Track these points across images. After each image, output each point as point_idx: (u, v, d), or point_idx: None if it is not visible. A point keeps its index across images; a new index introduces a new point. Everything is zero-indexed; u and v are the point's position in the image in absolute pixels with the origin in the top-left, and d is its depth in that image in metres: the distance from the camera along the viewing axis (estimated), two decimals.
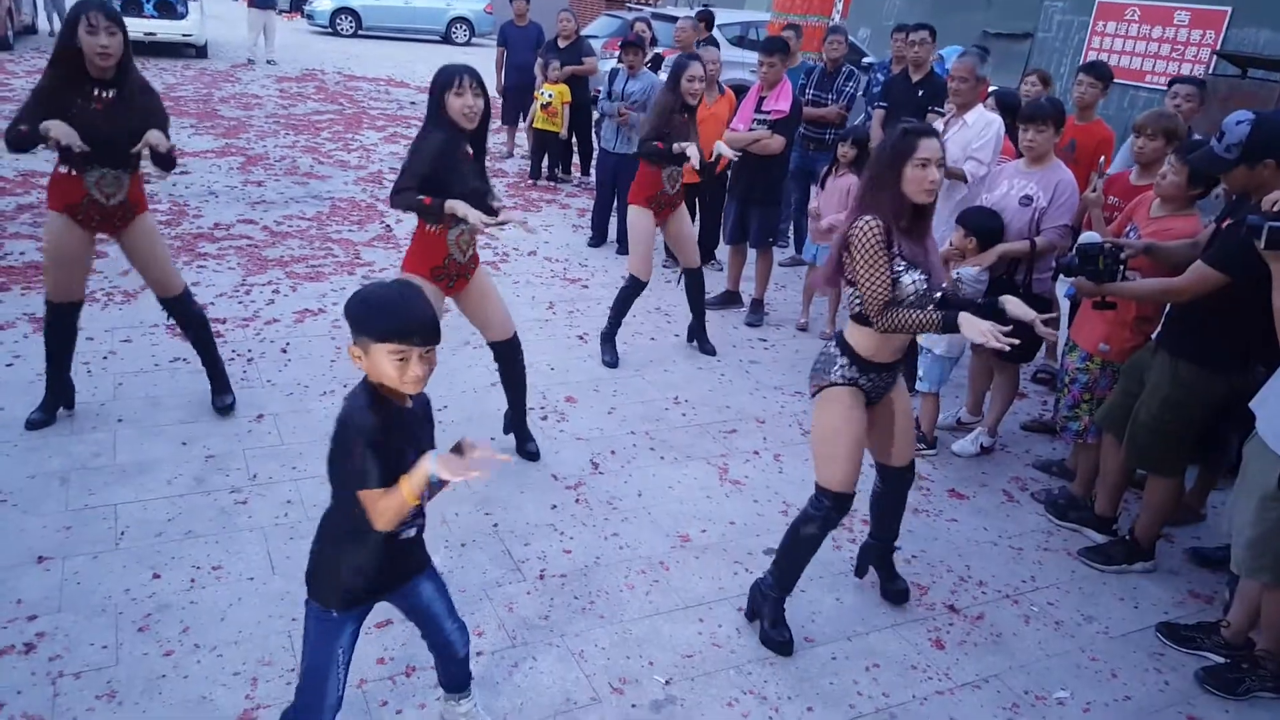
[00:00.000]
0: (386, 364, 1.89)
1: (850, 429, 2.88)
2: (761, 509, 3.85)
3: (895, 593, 3.32)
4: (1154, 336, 3.66)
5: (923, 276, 2.76)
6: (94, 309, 4.97)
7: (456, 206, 3.24)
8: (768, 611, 3.07)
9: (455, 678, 2.48)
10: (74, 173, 3.53)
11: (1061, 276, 3.58)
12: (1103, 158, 4.31)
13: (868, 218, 2.74)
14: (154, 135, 3.46)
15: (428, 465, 1.87)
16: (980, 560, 3.66)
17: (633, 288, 5.10)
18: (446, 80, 3.29)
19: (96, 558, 3.10)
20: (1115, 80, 5.55)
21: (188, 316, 3.98)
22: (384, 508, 1.92)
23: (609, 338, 5.16)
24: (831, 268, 2.93)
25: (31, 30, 15.77)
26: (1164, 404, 3.35)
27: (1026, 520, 4.00)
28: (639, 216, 5.03)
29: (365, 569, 2.09)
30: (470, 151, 3.42)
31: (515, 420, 4.04)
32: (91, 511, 3.34)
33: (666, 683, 2.83)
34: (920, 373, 4.43)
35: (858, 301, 2.83)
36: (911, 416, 3.14)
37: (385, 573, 2.15)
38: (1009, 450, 4.64)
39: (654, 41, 8.21)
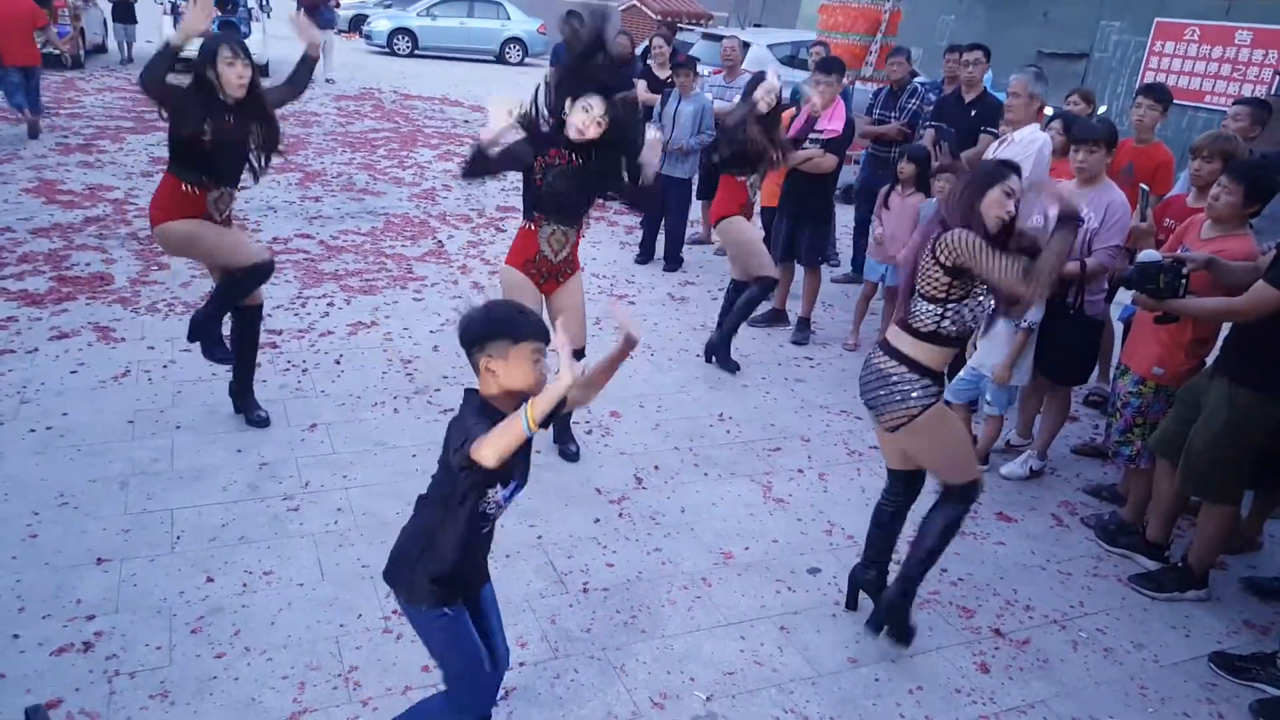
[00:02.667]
0: (525, 364, 2.03)
1: (962, 431, 3.04)
2: (805, 528, 3.84)
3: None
4: (1209, 361, 3.60)
5: (989, 296, 2.86)
6: (155, 319, 5.13)
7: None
8: (899, 607, 3.09)
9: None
10: (196, 191, 3.74)
11: (1117, 298, 3.54)
12: (1144, 186, 4.23)
13: (958, 230, 2.77)
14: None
15: (560, 383, 1.87)
16: (1028, 584, 3.61)
17: (763, 289, 5.17)
18: None
19: (153, 560, 3.19)
20: (1174, 101, 5.46)
21: (253, 326, 4.14)
22: (498, 436, 1.88)
23: (725, 345, 5.36)
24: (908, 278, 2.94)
25: (101, 50, 16.32)
26: (1221, 429, 3.29)
27: (1076, 545, 3.94)
28: (737, 224, 5.18)
29: (452, 557, 2.14)
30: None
31: (558, 425, 4.12)
32: (149, 515, 3.44)
33: (707, 699, 2.83)
34: (988, 397, 4.38)
35: (931, 320, 2.83)
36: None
37: (468, 564, 2.20)
38: (1059, 474, 4.56)
39: (673, 56, 8.24)
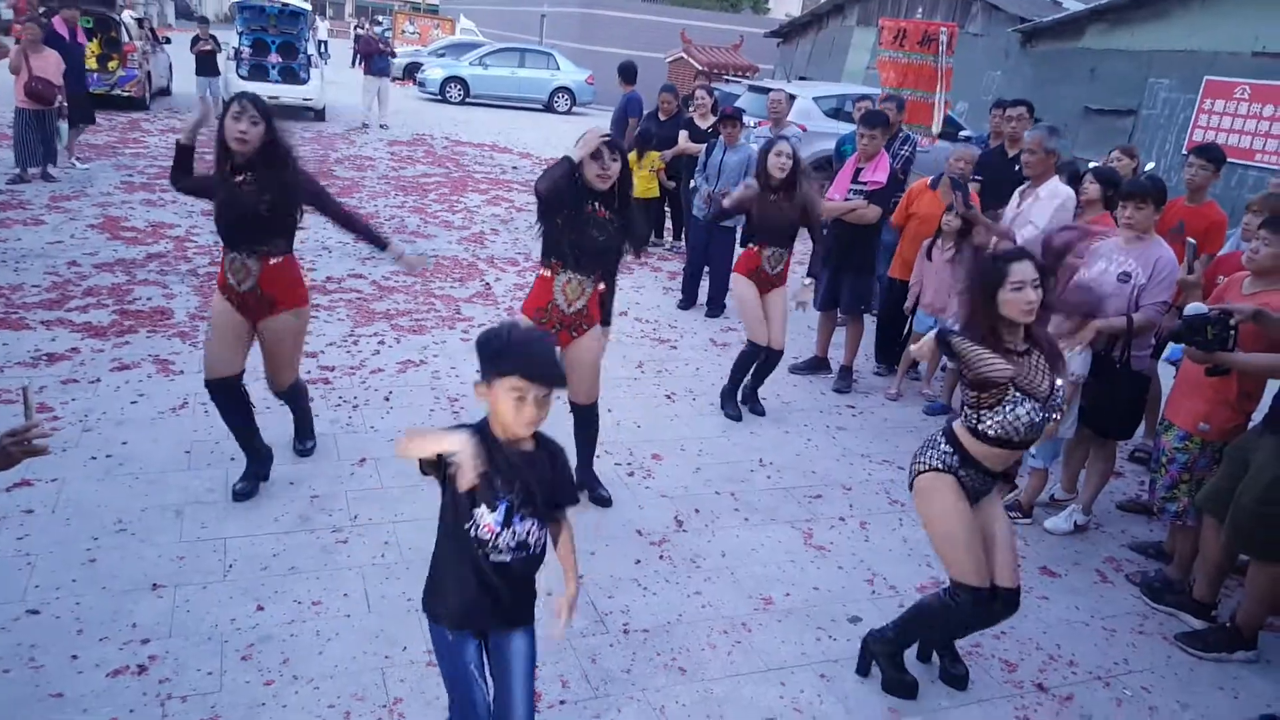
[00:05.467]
0: (505, 400, 2.02)
1: (957, 519, 2.86)
2: (847, 576, 3.83)
3: (955, 678, 3.21)
4: (1256, 416, 3.56)
5: (1035, 406, 2.75)
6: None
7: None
8: (885, 659, 3.11)
9: None
10: (223, 255, 3.73)
11: (1169, 346, 3.53)
12: (1191, 240, 4.23)
13: (954, 338, 2.78)
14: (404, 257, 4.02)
15: (443, 439, 1.98)
16: (1071, 640, 3.56)
17: (751, 353, 5.26)
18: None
19: (206, 588, 3.28)
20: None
21: (292, 400, 4.22)
22: (413, 433, 2.05)
23: (729, 395, 5.39)
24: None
25: (166, 93, 16.96)
26: (1269, 485, 3.25)
27: (1120, 602, 3.88)
28: (741, 285, 5.24)
29: (443, 575, 2.19)
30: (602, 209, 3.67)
31: (582, 472, 4.08)
32: (203, 544, 3.53)
33: None
34: (1032, 450, 4.34)
35: (973, 416, 2.83)
36: (1012, 530, 3.04)
37: (466, 591, 2.17)
38: (1104, 529, 4.51)
39: (715, 107, 8.37)
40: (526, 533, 2.16)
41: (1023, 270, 2.73)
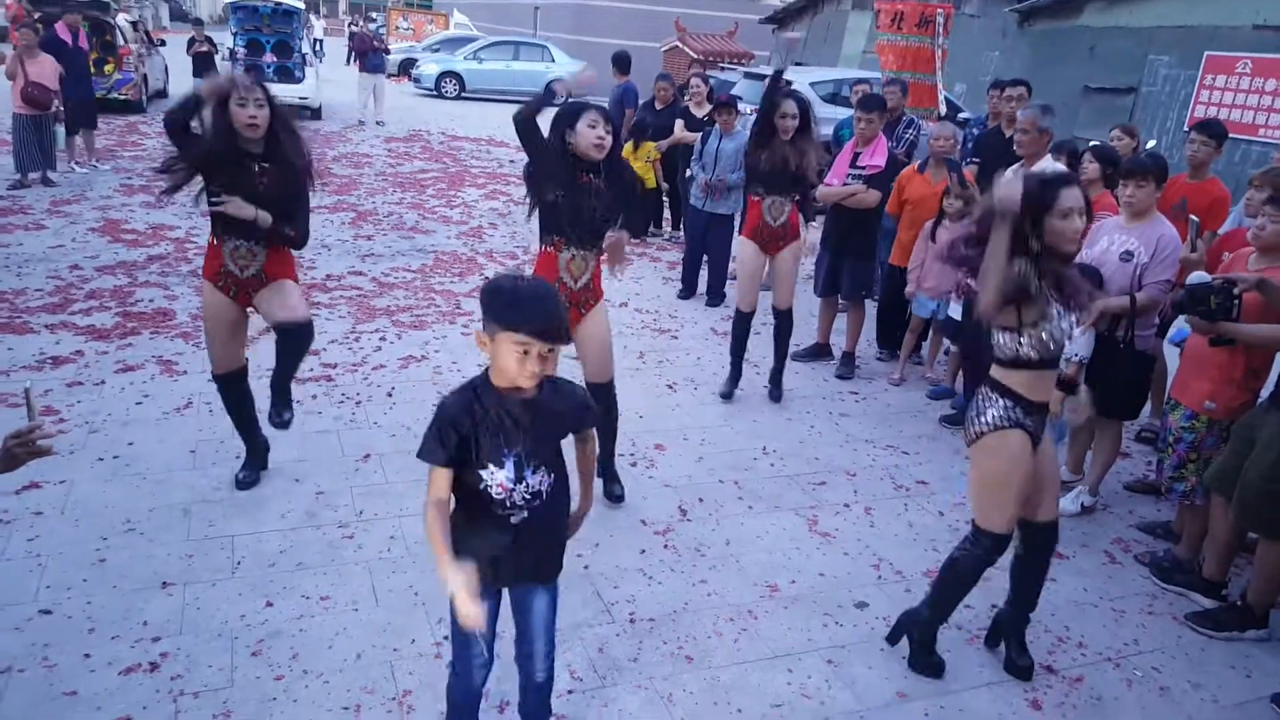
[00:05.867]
0: (508, 354, 2.01)
1: (1019, 474, 2.86)
2: (853, 562, 3.83)
3: (1020, 669, 3.19)
4: (1263, 394, 3.56)
5: (1073, 318, 2.76)
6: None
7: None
8: (918, 635, 3.12)
9: (532, 705, 2.50)
10: (216, 243, 3.65)
11: (1173, 326, 3.52)
12: (1193, 217, 4.22)
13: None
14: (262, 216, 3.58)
15: (452, 575, 2.00)
16: (1080, 621, 3.57)
17: (739, 319, 5.32)
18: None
19: (215, 585, 3.29)
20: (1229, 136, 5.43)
21: (300, 339, 3.85)
22: (428, 510, 2.11)
23: (733, 377, 5.47)
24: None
25: (163, 95, 16.94)
26: (1276, 462, 3.24)
27: (1130, 582, 3.88)
28: (744, 248, 5.27)
29: (482, 547, 2.18)
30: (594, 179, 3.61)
31: (601, 462, 4.10)
32: (211, 542, 3.54)
33: None
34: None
35: (1010, 347, 2.80)
36: (1058, 463, 3.04)
37: (479, 543, 2.18)
38: (1111, 510, 4.51)
39: (710, 95, 8.36)
40: (540, 483, 2.17)
41: (1072, 196, 2.64)
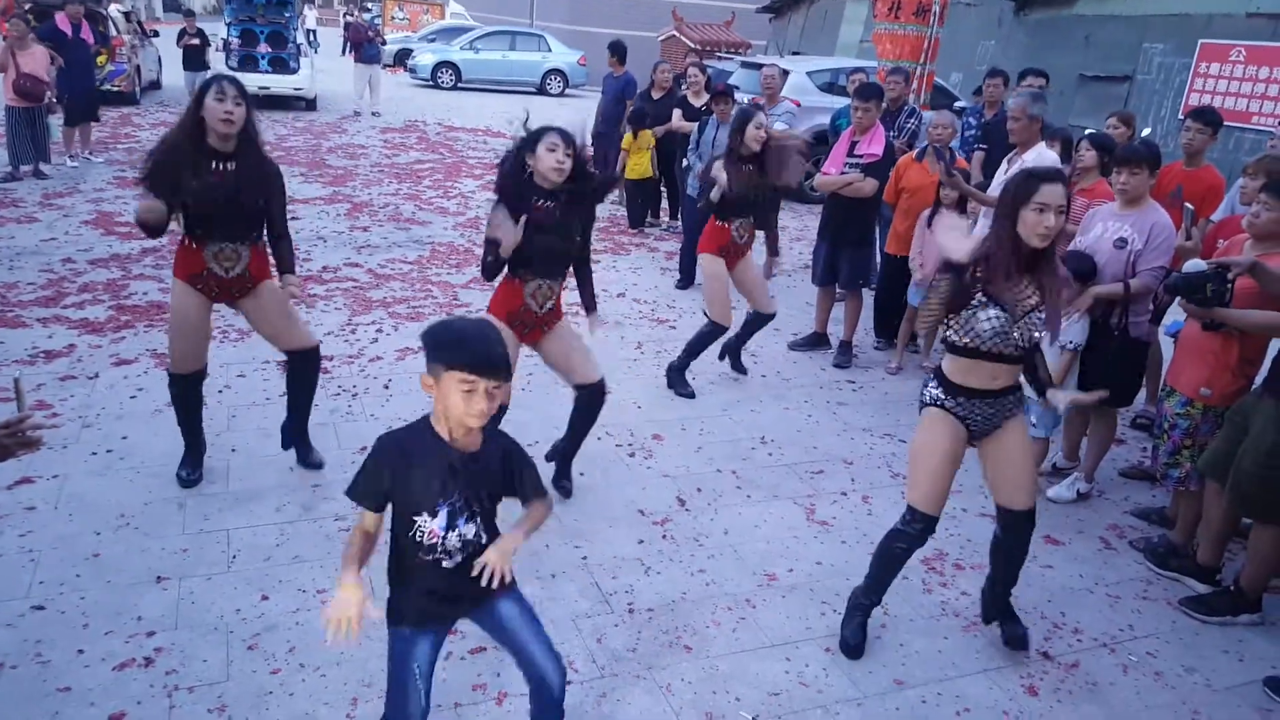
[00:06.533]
0: (454, 393, 1.98)
1: (931, 447, 2.98)
2: (850, 550, 3.83)
3: (1015, 638, 3.22)
4: (1257, 380, 3.56)
5: (1000, 314, 2.79)
6: (210, 345, 5.26)
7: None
8: (850, 615, 3.22)
9: (547, 713, 2.41)
10: (194, 245, 3.58)
11: (1167, 316, 3.53)
12: (1188, 205, 4.21)
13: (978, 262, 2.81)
14: (293, 284, 3.69)
15: (347, 584, 2.08)
16: (1076, 607, 3.57)
17: (711, 332, 5.24)
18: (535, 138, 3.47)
19: (210, 579, 3.28)
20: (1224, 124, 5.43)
21: (308, 372, 3.97)
22: (352, 534, 2.19)
23: (680, 371, 5.32)
24: None
25: (156, 86, 16.87)
26: (1270, 448, 3.25)
27: (1125, 568, 3.89)
28: (710, 263, 5.19)
29: (416, 587, 2.18)
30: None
31: (567, 453, 4.04)
32: (206, 535, 3.53)
33: (753, 719, 2.84)
34: (1033, 419, 4.35)
35: (946, 329, 2.92)
36: (1029, 458, 3.10)
37: (440, 592, 2.17)
38: (1107, 497, 4.51)
39: (708, 84, 8.33)
40: (472, 533, 2.14)
41: (1051, 193, 2.70)
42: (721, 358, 5.54)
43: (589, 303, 3.94)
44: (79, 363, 4.95)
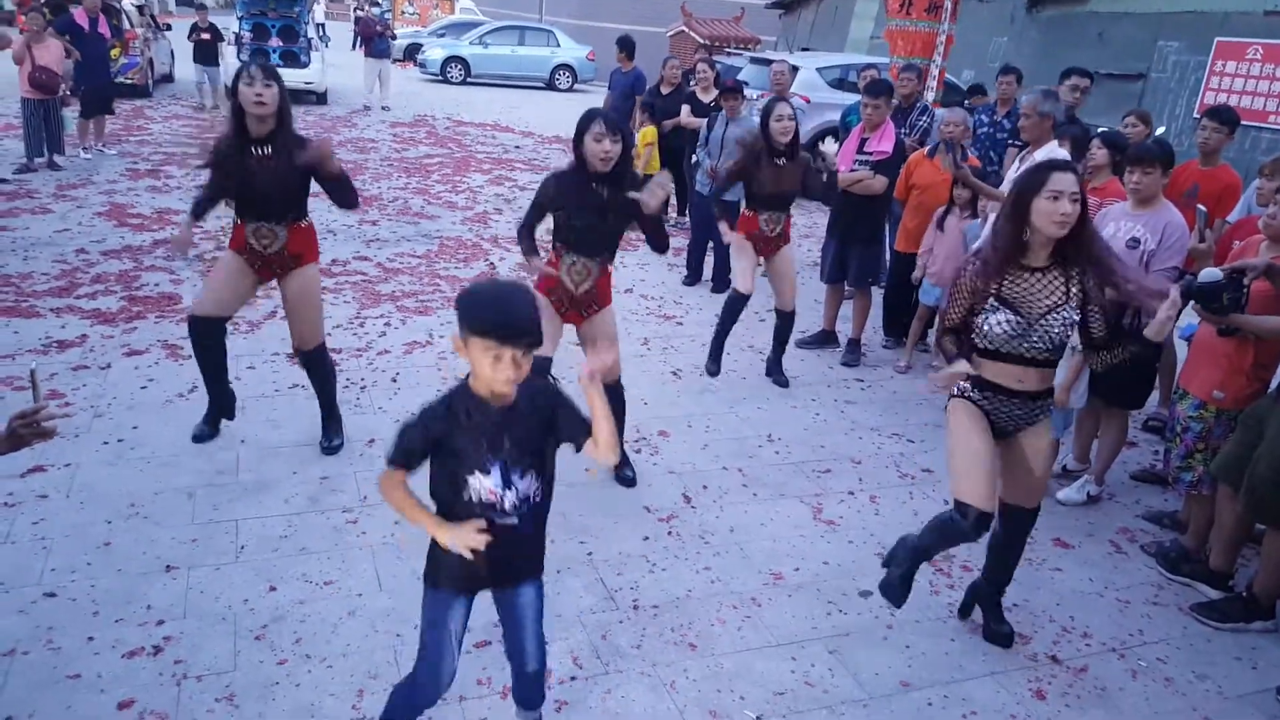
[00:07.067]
0: (481, 358, 1.99)
1: (966, 441, 2.92)
2: (857, 550, 3.82)
3: (999, 635, 3.25)
4: (1273, 385, 3.53)
5: (1010, 317, 2.78)
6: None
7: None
8: (899, 563, 3.08)
9: (525, 692, 2.50)
10: (240, 223, 3.87)
11: (1182, 317, 3.51)
12: (1201, 206, 4.18)
13: (971, 258, 2.79)
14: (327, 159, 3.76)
15: (439, 533, 2.12)
16: (1085, 611, 3.55)
17: (736, 299, 5.32)
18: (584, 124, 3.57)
19: (219, 569, 3.29)
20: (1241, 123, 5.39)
21: (318, 368, 4.14)
22: (390, 492, 2.16)
23: (717, 350, 5.49)
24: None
25: (169, 79, 16.91)
26: None
27: (1135, 573, 3.87)
28: (737, 238, 5.29)
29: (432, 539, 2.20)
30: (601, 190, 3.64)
31: None
32: (215, 526, 3.55)
33: (757, 718, 2.84)
34: None
35: (974, 333, 2.92)
36: (1048, 461, 3.10)
37: (489, 561, 2.14)
38: (1118, 500, 4.49)
39: (717, 80, 8.31)
40: (528, 487, 2.15)
41: (1063, 180, 2.68)
42: (768, 374, 5.55)
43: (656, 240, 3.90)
44: (91, 353, 4.97)
